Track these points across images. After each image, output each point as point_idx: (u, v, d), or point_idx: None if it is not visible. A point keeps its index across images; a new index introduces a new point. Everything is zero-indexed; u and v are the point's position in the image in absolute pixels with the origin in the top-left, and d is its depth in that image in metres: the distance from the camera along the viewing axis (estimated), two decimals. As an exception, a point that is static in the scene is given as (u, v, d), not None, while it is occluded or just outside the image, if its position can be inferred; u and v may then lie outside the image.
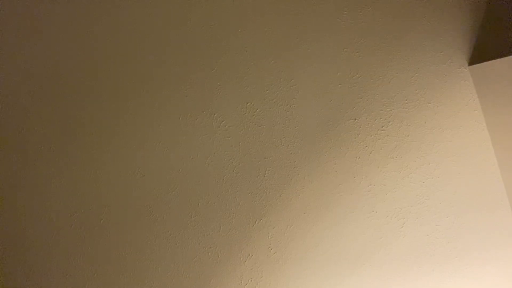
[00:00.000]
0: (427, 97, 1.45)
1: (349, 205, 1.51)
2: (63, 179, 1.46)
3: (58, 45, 1.40)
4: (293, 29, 1.40)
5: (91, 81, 1.42)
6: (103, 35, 1.39)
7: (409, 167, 1.49)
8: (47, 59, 1.40)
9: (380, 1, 1.39)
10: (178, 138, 1.45)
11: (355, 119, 1.46)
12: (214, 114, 1.45)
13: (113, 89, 1.42)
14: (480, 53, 1.41)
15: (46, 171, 1.46)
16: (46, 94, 1.42)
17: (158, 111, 1.44)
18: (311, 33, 1.41)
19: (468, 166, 1.49)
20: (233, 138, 1.46)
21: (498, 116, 1.41)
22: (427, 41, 1.42)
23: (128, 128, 1.44)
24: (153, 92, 1.43)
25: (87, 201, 1.48)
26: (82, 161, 1.46)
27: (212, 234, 1.49)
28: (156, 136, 1.45)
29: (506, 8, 1.41)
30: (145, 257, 1.50)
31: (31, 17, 1.38)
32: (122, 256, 1.50)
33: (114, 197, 1.47)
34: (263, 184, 1.49)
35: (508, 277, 1.56)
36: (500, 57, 1.33)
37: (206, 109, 1.44)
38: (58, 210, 1.48)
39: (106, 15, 1.38)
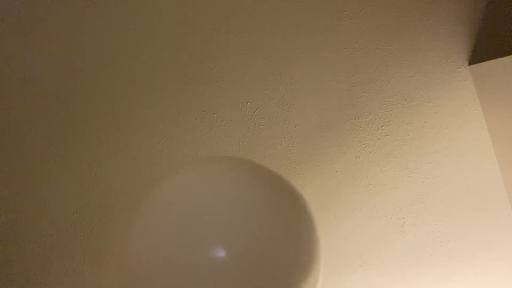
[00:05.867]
0: (427, 96, 1.45)
1: (349, 205, 1.51)
2: (63, 179, 1.46)
3: (58, 46, 1.39)
4: (292, 29, 1.40)
5: (90, 81, 1.42)
6: (103, 35, 1.39)
7: (409, 167, 1.49)
8: (47, 60, 1.40)
9: (380, 1, 1.39)
10: (178, 138, 1.45)
11: (355, 119, 1.46)
12: (214, 114, 1.45)
13: (113, 90, 1.42)
14: (480, 52, 1.41)
15: (46, 171, 1.46)
16: (46, 94, 1.42)
17: (158, 111, 1.44)
18: (311, 33, 1.41)
19: (468, 166, 1.49)
20: (233, 138, 1.46)
21: (498, 116, 1.41)
22: (427, 41, 1.42)
23: (128, 128, 1.44)
24: (153, 92, 1.43)
25: (87, 201, 1.48)
26: (82, 161, 1.46)
27: (212, 234, 1.49)
28: (156, 136, 1.45)
29: (506, 8, 1.40)
30: (145, 257, 1.50)
31: (27, 20, 1.38)
32: (122, 256, 1.50)
33: (114, 197, 1.47)
34: (263, 184, 1.49)
35: (508, 277, 1.56)
36: (500, 56, 1.33)
37: (206, 108, 1.44)
38: (58, 210, 1.48)
39: (105, 15, 1.38)
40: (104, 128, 1.44)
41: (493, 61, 1.35)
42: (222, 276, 0.71)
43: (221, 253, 0.72)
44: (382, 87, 1.44)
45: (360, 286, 1.54)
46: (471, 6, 1.41)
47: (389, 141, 1.47)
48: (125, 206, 1.48)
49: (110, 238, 1.49)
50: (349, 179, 1.49)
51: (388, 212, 1.51)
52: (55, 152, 1.45)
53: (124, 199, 1.48)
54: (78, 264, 1.51)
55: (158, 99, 1.43)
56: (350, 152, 1.48)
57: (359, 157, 1.48)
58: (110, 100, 1.43)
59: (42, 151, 1.45)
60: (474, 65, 1.41)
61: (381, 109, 1.45)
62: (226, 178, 0.81)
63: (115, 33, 1.40)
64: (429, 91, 1.44)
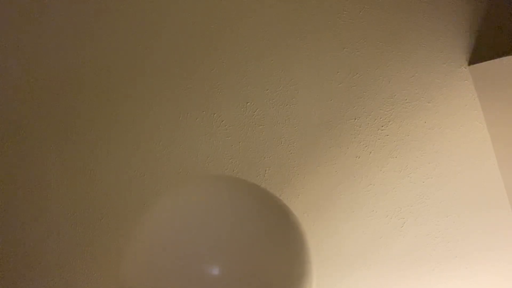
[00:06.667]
0: (427, 96, 1.45)
1: (349, 205, 1.51)
2: (62, 179, 1.46)
3: (58, 46, 1.39)
4: (293, 29, 1.40)
5: (90, 81, 1.42)
6: (102, 34, 1.39)
7: (409, 167, 1.49)
8: (47, 60, 1.40)
9: (380, 1, 1.39)
10: (178, 138, 1.45)
11: (355, 119, 1.46)
12: (214, 114, 1.45)
13: (113, 89, 1.42)
14: (480, 52, 1.41)
15: (45, 171, 1.46)
16: (45, 94, 1.42)
17: (158, 111, 1.44)
18: (311, 33, 1.41)
19: (468, 166, 1.49)
20: (233, 138, 1.46)
21: (498, 116, 1.41)
22: (427, 41, 1.42)
23: (127, 128, 1.44)
24: (153, 92, 1.43)
25: (87, 201, 1.48)
26: (81, 161, 1.46)
27: (212, 234, 1.49)
28: (156, 136, 1.45)
29: (506, 8, 1.40)
30: (145, 257, 1.50)
31: (29, 20, 1.38)
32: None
33: (114, 197, 1.47)
34: (263, 184, 1.49)
35: (508, 277, 1.56)
36: (500, 56, 1.33)
37: (206, 109, 1.44)
38: (58, 210, 1.48)
39: (105, 15, 1.38)
40: (104, 128, 1.44)
41: (493, 61, 1.35)
42: None
43: (214, 271, 0.73)
44: (382, 87, 1.44)
45: (360, 286, 1.55)
46: (471, 6, 1.40)
47: (389, 141, 1.47)
48: (125, 206, 1.48)
49: (110, 238, 1.49)
50: (349, 179, 1.49)
51: (388, 212, 1.51)
52: (55, 152, 1.45)
53: (124, 199, 1.48)
54: (78, 264, 1.51)
55: (158, 100, 1.43)
56: (350, 152, 1.48)
57: (359, 157, 1.48)
58: (110, 100, 1.43)
59: (42, 151, 1.45)
60: (474, 65, 1.41)
61: (381, 109, 1.45)
62: (219, 198, 0.83)
63: (116, 33, 1.40)
64: (429, 91, 1.44)
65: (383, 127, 1.46)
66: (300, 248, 0.82)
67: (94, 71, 1.41)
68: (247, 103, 1.45)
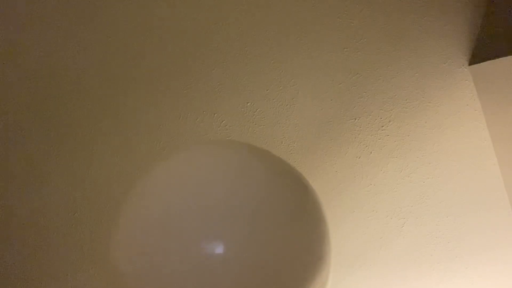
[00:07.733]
0: (427, 96, 1.45)
1: (349, 205, 1.51)
2: (63, 179, 1.46)
3: (58, 46, 1.39)
4: (293, 29, 1.40)
5: (91, 81, 1.42)
6: (101, 34, 1.39)
7: (409, 167, 1.49)
8: (47, 59, 1.40)
9: (380, 1, 1.39)
10: (178, 138, 1.45)
11: (355, 119, 1.46)
12: (214, 114, 1.45)
13: (113, 89, 1.42)
14: (480, 52, 1.41)
15: (46, 171, 1.46)
16: (46, 93, 1.42)
17: (158, 111, 1.44)
18: (311, 33, 1.41)
19: (468, 166, 1.49)
20: (233, 138, 1.46)
21: (499, 116, 1.41)
22: (427, 41, 1.42)
23: (128, 128, 1.44)
24: (153, 92, 1.43)
25: (87, 201, 1.48)
26: (81, 161, 1.45)
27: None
28: (156, 136, 1.45)
29: (506, 8, 1.40)
30: (145, 257, 1.50)
31: (28, 18, 1.38)
32: (122, 256, 1.50)
33: (114, 196, 1.47)
34: (263, 184, 1.49)
35: (508, 277, 1.56)
36: (501, 56, 1.33)
37: (206, 109, 1.44)
38: (58, 210, 1.48)
39: (103, 16, 1.38)
40: (104, 128, 1.44)
41: (493, 61, 1.35)
42: (216, 277, 0.61)
43: (217, 250, 0.61)
44: (382, 87, 1.44)
45: (360, 286, 1.54)
46: (471, 6, 1.41)
47: (389, 141, 1.47)
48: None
49: (110, 237, 1.49)
50: (349, 179, 1.49)
51: (388, 212, 1.51)
52: (55, 152, 1.45)
53: (124, 199, 1.48)
54: (78, 265, 1.51)
55: (158, 99, 1.43)
56: (350, 152, 1.48)
57: (359, 157, 1.48)
58: (110, 101, 1.43)
59: (42, 151, 1.45)
60: (474, 65, 1.41)
61: (381, 109, 1.45)
62: (224, 164, 0.69)
63: (116, 33, 1.40)
64: (429, 91, 1.44)
65: (383, 127, 1.46)
66: (318, 227, 0.67)
67: (94, 71, 1.41)
68: (247, 103, 1.44)
